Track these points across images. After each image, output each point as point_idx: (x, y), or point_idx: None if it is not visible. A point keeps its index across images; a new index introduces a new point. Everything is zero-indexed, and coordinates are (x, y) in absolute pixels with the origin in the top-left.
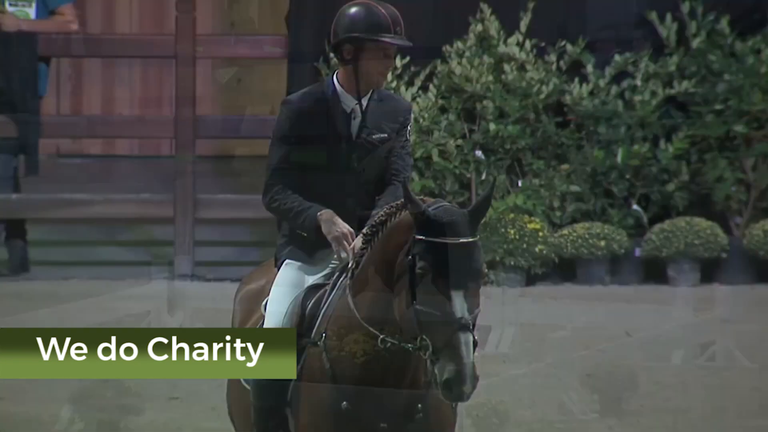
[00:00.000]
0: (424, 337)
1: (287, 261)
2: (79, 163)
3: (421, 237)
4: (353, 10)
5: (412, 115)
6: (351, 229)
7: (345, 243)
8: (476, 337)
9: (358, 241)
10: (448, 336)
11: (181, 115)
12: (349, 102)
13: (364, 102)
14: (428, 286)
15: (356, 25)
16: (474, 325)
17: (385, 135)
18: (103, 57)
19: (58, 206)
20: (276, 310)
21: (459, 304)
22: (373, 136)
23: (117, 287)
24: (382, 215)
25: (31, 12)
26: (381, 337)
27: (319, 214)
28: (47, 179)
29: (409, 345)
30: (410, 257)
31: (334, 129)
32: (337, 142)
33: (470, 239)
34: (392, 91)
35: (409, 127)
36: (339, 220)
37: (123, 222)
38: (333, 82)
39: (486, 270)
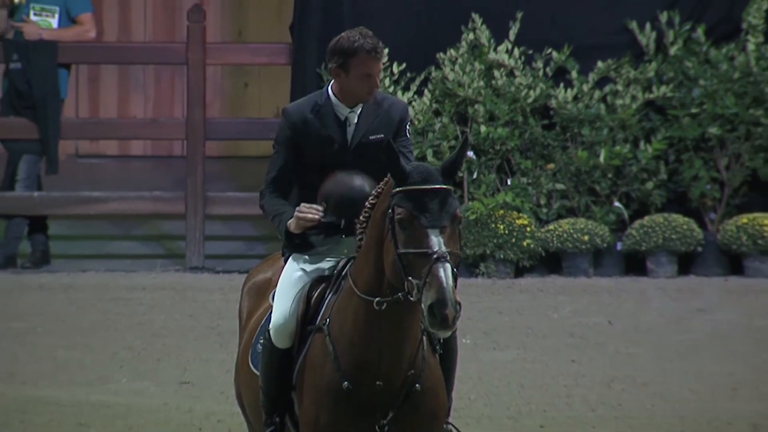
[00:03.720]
0: (409, 278)
1: (294, 254)
2: (97, 162)
3: (398, 189)
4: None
5: (410, 114)
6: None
7: (306, 214)
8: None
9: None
10: (428, 268)
11: (192, 117)
12: (342, 110)
13: (358, 109)
14: (407, 229)
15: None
16: (457, 267)
17: (382, 136)
18: (119, 63)
19: (77, 203)
20: (283, 301)
21: (435, 240)
22: (370, 138)
23: (131, 279)
24: (371, 200)
25: (54, 22)
26: (377, 299)
27: (288, 222)
28: (67, 178)
29: (400, 294)
30: (390, 210)
31: (330, 136)
32: (333, 148)
33: (442, 185)
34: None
35: (408, 126)
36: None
37: (137, 218)
38: (328, 92)
39: (461, 215)
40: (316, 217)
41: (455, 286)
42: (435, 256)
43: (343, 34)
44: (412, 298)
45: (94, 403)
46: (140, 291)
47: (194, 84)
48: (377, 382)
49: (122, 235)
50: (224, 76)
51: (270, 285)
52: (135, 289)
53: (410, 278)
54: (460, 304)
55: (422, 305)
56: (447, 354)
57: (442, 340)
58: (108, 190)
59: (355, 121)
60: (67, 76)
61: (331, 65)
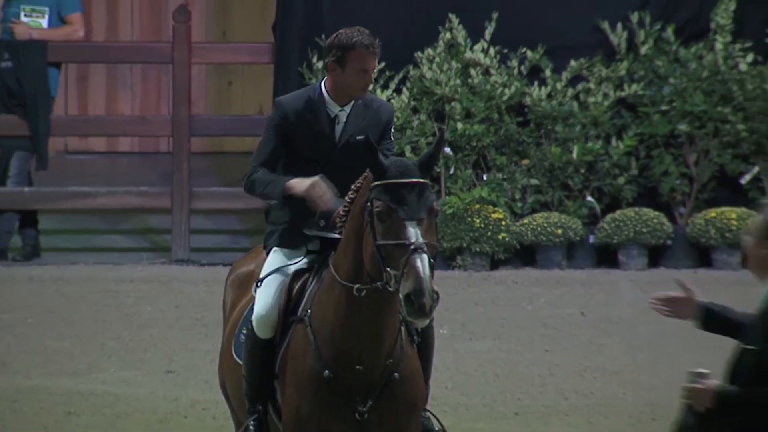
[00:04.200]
0: (387, 269)
1: (275, 248)
2: (85, 158)
3: (377, 183)
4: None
5: (394, 118)
6: (319, 177)
7: (318, 188)
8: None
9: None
10: (406, 258)
11: (178, 114)
12: (333, 108)
13: (348, 108)
14: (386, 222)
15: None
16: (434, 258)
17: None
18: (107, 62)
19: (66, 198)
20: (265, 293)
21: (413, 231)
22: (357, 138)
23: (119, 271)
24: (351, 194)
25: (44, 22)
26: (356, 286)
27: (287, 181)
28: (56, 174)
29: (379, 283)
30: (369, 202)
31: (319, 132)
32: (322, 143)
33: (419, 179)
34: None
35: (392, 129)
36: (306, 179)
37: (125, 212)
38: (321, 88)
39: (438, 208)
40: (329, 205)
41: (432, 276)
42: (412, 247)
43: (341, 30)
44: (390, 288)
45: (83, 392)
46: (128, 283)
47: (180, 82)
48: (357, 366)
49: (110, 229)
50: (209, 75)
51: (253, 277)
52: (123, 282)
53: (388, 269)
54: (437, 293)
55: (400, 294)
56: (424, 344)
57: (419, 331)
58: (96, 186)
59: (344, 120)
60: (57, 75)
61: (328, 60)
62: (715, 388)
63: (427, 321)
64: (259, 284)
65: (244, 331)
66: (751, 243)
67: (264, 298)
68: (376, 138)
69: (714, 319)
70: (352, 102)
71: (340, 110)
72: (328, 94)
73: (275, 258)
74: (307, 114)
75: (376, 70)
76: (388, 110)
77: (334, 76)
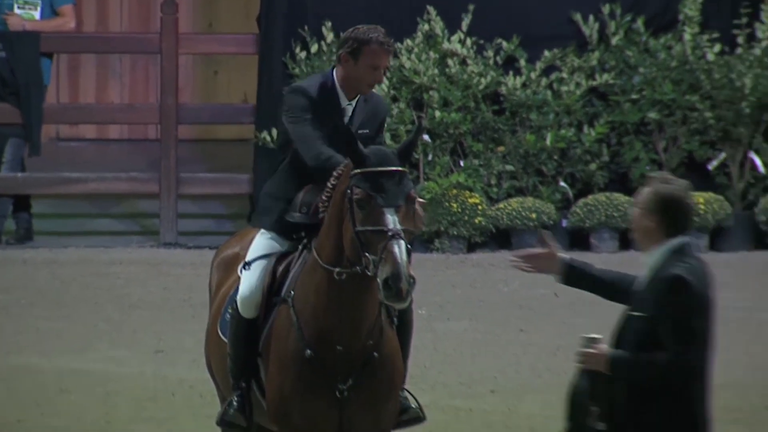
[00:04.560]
0: (366, 254)
1: (261, 231)
2: (76, 145)
3: (356, 171)
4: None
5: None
6: None
7: None
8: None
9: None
10: (383, 244)
11: (165, 103)
12: (343, 100)
13: (354, 103)
14: (365, 209)
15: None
16: (411, 245)
17: (368, 131)
18: (97, 52)
19: (58, 183)
20: (251, 274)
21: (391, 218)
22: (359, 132)
23: (109, 254)
24: (333, 180)
25: (36, 14)
26: (336, 270)
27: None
28: (48, 160)
29: (358, 268)
30: (349, 190)
31: (332, 121)
32: (335, 132)
33: (397, 167)
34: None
35: (385, 124)
36: None
37: (114, 197)
38: (333, 78)
39: (416, 195)
40: None
41: (409, 262)
42: (390, 233)
43: (359, 26)
44: (369, 273)
45: (75, 371)
46: (118, 266)
47: (167, 72)
48: (338, 347)
49: (101, 213)
50: (195, 65)
51: (238, 259)
52: (113, 264)
53: (367, 254)
54: (413, 278)
55: (378, 279)
56: (403, 325)
57: (398, 312)
58: (87, 171)
59: (350, 113)
60: (50, 65)
61: (342, 51)
62: (607, 352)
63: (404, 304)
64: (246, 267)
65: (230, 311)
66: (637, 214)
67: (249, 279)
68: (373, 131)
69: (575, 274)
70: (358, 97)
71: (348, 104)
72: (339, 85)
73: (261, 241)
74: (323, 101)
75: (386, 70)
76: (384, 106)
77: (346, 68)
